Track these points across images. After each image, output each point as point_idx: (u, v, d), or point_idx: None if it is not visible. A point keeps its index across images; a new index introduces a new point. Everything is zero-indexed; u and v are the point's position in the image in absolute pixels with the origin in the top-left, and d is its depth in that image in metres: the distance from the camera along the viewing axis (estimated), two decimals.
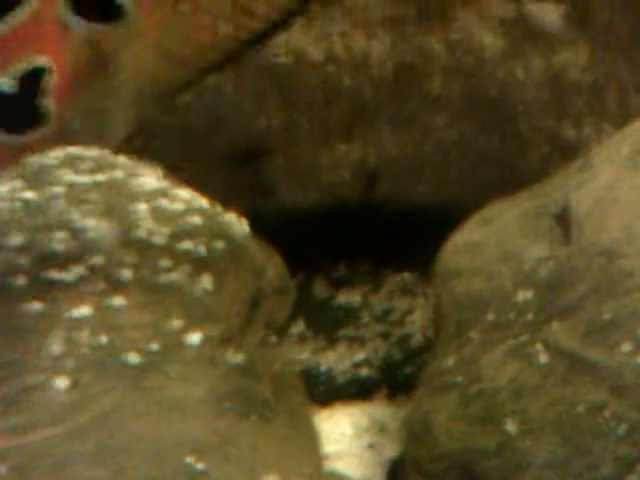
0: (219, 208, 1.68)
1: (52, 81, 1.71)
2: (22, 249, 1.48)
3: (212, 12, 1.44)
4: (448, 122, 1.88)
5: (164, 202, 1.60)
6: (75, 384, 1.39)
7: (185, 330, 1.46)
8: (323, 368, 1.89)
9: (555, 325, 1.45)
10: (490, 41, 1.83)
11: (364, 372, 1.89)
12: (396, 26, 1.83)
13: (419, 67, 1.84)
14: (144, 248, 1.52)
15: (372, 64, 1.83)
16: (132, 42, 1.65)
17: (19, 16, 1.51)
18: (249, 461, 1.40)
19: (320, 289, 2.01)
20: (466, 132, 1.89)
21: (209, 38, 1.55)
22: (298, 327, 1.95)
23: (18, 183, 1.58)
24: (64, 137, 1.75)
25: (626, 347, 1.38)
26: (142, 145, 1.84)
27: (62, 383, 1.38)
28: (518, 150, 1.90)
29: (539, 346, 1.43)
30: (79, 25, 1.50)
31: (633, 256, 1.46)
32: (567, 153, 1.89)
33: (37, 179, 1.59)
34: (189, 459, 1.36)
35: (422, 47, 1.83)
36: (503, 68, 1.84)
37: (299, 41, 1.80)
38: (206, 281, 1.52)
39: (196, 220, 1.59)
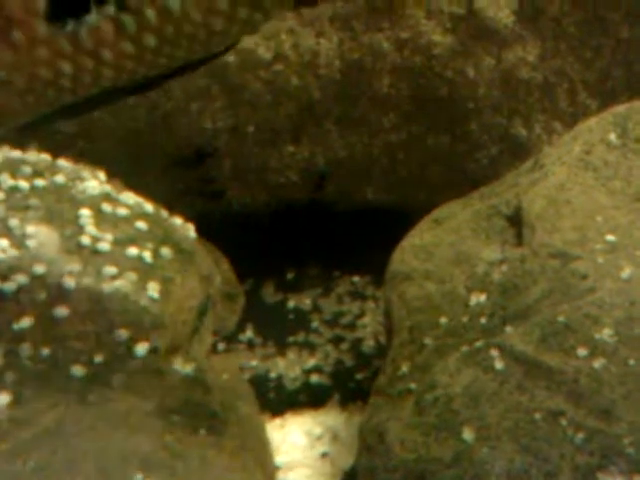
0: (164, 213, 1.66)
1: None
2: None
3: None
4: (397, 122, 1.87)
5: (107, 207, 1.57)
6: (17, 399, 1.35)
7: (131, 340, 1.43)
8: (273, 375, 1.87)
9: (509, 330, 1.43)
10: (439, 39, 1.81)
11: (315, 379, 1.87)
12: (345, 23, 1.81)
13: (368, 66, 1.82)
14: (87, 255, 1.49)
15: (320, 63, 1.80)
16: None
17: None
18: (199, 476, 1.37)
19: (269, 294, 1.99)
20: (415, 132, 1.88)
21: None
22: (247, 333, 1.92)
23: None
24: None
25: (582, 352, 1.37)
26: (84, 147, 1.80)
27: (3, 399, 1.35)
28: (468, 150, 1.89)
29: (494, 352, 1.42)
30: None
31: (586, 258, 1.45)
32: (517, 153, 1.89)
33: None
34: (137, 475, 1.33)
35: (371, 45, 1.81)
36: (453, 66, 1.83)
37: (247, 40, 1.77)
38: (152, 289, 1.49)
39: (141, 225, 1.57)
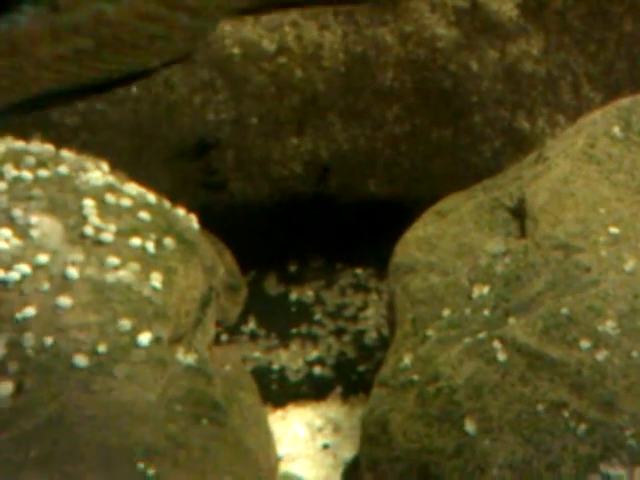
0: (168, 203, 1.66)
1: None
2: None
3: None
4: (400, 115, 1.86)
5: (111, 198, 1.57)
6: (19, 389, 1.35)
7: (133, 330, 1.43)
8: (275, 367, 1.87)
9: (512, 321, 1.43)
10: (443, 32, 1.81)
11: (317, 371, 1.87)
12: (348, 16, 1.80)
13: (371, 59, 1.82)
14: (90, 245, 1.49)
15: (324, 56, 1.80)
16: None
17: None
18: (201, 466, 1.37)
19: (272, 286, 1.99)
20: (418, 125, 1.87)
21: None
22: (250, 325, 1.92)
23: None
24: None
25: (585, 344, 1.37)
26: (87, 139, 1.80)
27: (6, 388, 1.35)
28: (471, 143, 1.89)
29: (497, 343, 1.42)
30: None
31: (590, 250, 1.45)
32: (521, 145, 1.89)
33: None
34: (140, 465, 1.33)
35: (375, 38, 1.81)
36: (456, 60, 1.82)
37: (250, 32, 1.77)
38: (155, 279, 1.49)
39: (144, 216, 1.57)
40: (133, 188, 1.62)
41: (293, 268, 2.01)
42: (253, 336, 1.91)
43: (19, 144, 1.64)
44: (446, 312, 1.52)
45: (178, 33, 1.31)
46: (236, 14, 1.63)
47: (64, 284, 1.44)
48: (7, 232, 1.47)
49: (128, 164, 1.71)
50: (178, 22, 1.32)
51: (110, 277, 1.47)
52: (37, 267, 1.45)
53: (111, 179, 1.62)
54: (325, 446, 1.73)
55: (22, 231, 1.48)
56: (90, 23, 1.25)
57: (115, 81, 1.39)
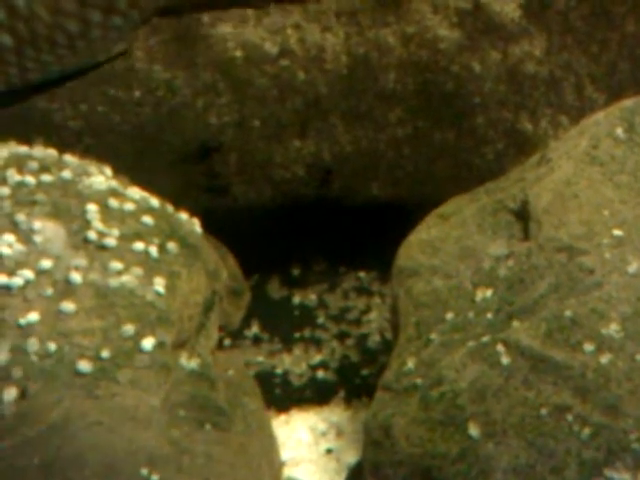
0: (170, 208, 1.66)
1: None
2: None
3: None
4: (403, 117, 1.86)
5: (114, 202, 1.57)
6: (23, 394, 1.35)
7: (137, 335, 1.43)
8: (279, 371, 1.87)
9: (516, 325, 1.43)
10: (446, 33, 1.81)
11: (321, 375, 1.87)
12: (351, 18, 1.80)
13: (374, 61, 1.81)
14: (94, 250, 1.49)
15: (326, 58, 1.80)
16: None
17: None
18: (204, 471, 1.37)
19: (275, 289, 1.99)
20: (421, 127, 1.87)
21: None
22: (253, 329, 1.92)
23: None
24: None
25: (588, 347, 1.37)
26: (90, 143, 1.80)
27: (9, 393, 1.35)
28: (474, 145, 1.89)
29: (500, 347, 1.41)
30: None
31: (593, 252, 1.45)
32: (523, 147, 1.88)
33: None
34: (143, 470, 1.33)
35: (377, 40, 1.80)
36: (459, 61, 1.82)
37: (252, 34, 1.77)
38: (158, 284, 1.49)
39: (147, 220, 1.57)
40: (136, 192, 1.62)
41: (296, 272, 2.01)
42: (256, 340, 1.91)
43: (22, 149, 1.64)
44: (449, 315, 1.51)
45: (95, 31, 1.30)
46: (154, 15, 1.62)
47: (67, 289, 1.44)
48: (10, 237, 1.47)
49: (131, 168, 1.71)
50: (92, 19, 1.32)
51: (113, 282, 1.47)
52: (40, 272, 1.45)
53: (114, 183, 1.62)
54: (328, 450, 1.73)
55: (25, 236, 1.48)
56: (5, 18, 1.25)
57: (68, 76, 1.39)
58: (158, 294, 1.48)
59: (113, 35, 1.35)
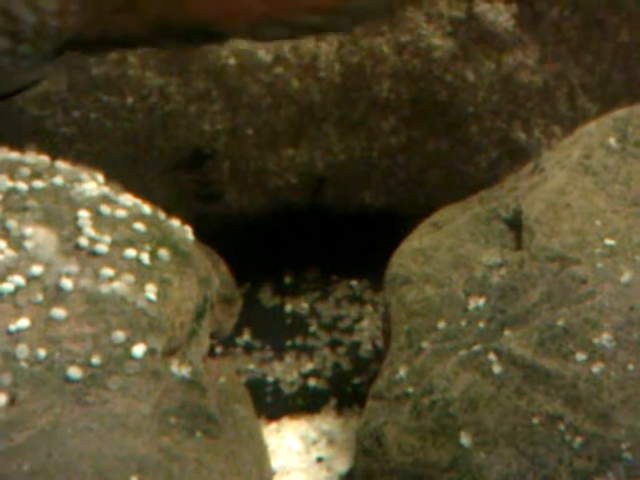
0: (163, 215, 1.66)
1: None
2: None
3: None
4: (396, 126, 1.86)
5: (106, 209, 1.56)
6: (13, 401, 1.34)
7: (128, 342, 1.43)
8: (270, 379, 1.86)
9: (508, 334, 1.43)
10: (439, 42, 1.81)
11: (312, 383, 1.86)
12: None
13: (367, 69, 1.81)
14: (85, 257, 1.49)
15: (320, 66, 1.80)
16: None
17: None
18: (195, 478, 1.37)
19: (267, 297, 1.99)
20: (414, 136, 1.87)
21: None
22: (245, 337, 1.92)
23: None
24: None
25: (580, 356, 1.37)
26: (82, 150, 1.79)
27: None
28: (467, 154, 1.89)
29: (492, 356, 1.41)
30: None
31: (586, 262, 1.45)
32: (517, 157, 1.89)
33: None
34: (133, 478, 1.32)
35: (371, 49, 1.80)
36: (452, 70, 1.82)
37: (246, 42, 1.77)
38: (149, 291, 1.49)
39: (139, 227, 1.56)
40: (128, 199, 1.62)
41: (288, 280, 2.01)
42: (248, 348, 1.91)
43: (14, 155, 1.64)
44: (441, 324, 1.51)
45: (3, 59, 1.30)
46: (66, 48, 1.62)
47: (58, 295, 1.44)
48: (1, 243, 1.47)
49: (123, 175, 1.71)
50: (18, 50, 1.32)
51: (104, 288, 1.46)
52: (31, 278, 1.44)
53: (106, 190, 1.62)
54: (319, 459, 1.72)
55: (16, 242, 1.48)
56: None
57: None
58: (149, 301, 1.47)
59: (24, 63, 1.36)
